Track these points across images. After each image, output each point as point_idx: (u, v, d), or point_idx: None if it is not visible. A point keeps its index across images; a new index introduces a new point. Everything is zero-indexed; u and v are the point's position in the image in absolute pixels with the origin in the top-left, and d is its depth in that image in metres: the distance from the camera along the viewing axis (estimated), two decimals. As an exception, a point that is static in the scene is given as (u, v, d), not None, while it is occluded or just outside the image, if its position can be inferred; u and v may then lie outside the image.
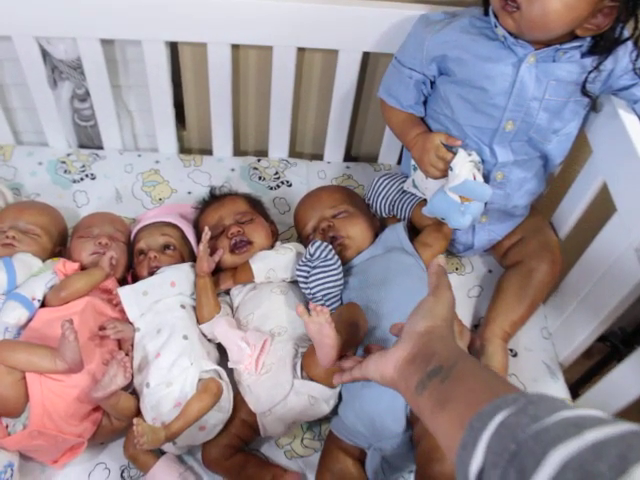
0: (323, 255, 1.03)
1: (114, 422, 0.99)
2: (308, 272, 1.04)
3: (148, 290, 1.05)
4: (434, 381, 0.61)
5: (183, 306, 1.07)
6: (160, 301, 1.06)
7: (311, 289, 1.04)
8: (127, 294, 1.05)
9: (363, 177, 1.44)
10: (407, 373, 0.66)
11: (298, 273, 1.05)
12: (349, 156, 1.51)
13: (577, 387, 1.21)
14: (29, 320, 1.02)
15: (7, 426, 0.94)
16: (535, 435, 0.43)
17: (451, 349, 0.65)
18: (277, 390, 0.97)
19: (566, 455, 0.39)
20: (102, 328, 1.03)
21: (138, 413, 0.99)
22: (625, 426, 0.40)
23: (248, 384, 1.00)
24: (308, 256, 1.04)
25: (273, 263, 1.09)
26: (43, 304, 1.04)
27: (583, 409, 0.45)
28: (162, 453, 0.99)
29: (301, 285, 1.06)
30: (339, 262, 1.05)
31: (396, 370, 0.68)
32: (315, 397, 0.97)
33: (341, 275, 1.05)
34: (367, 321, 0.96)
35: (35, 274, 1.05)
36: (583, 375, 1.51)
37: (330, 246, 1.05)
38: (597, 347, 1.57)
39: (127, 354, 1.02)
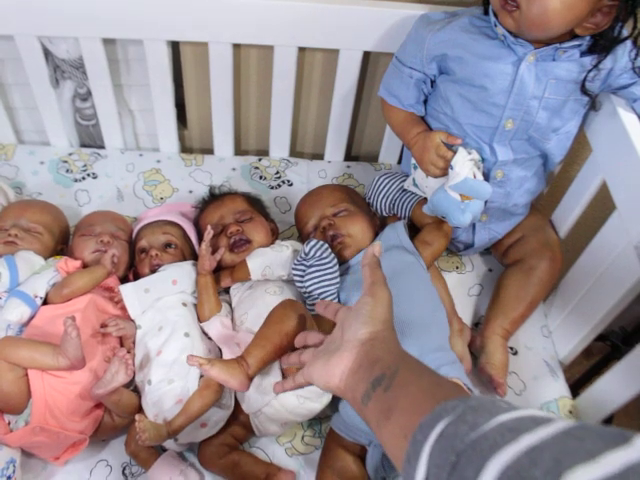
0: (318, 254, 1.03)
1: (115, 419, 0.99)
2: (304, 271, 1.04)
3: (150, 288, 1.06)
4: (378, 390, 0.60)
5: (184, 304, 1.07)
6: (161, 299, 1.06)
7: (307, 288, 1.04)
8: (129, 291, 1.05)
9: (363, 176, 1.44)
10: (353, 384, 0.65)
11: (294, 272, 1.05)
12: (349, 155, 1.51)
13: (578, 386, 1.22)
14: (31, 317, 1.02)
15: (9, 423, 0.94)
16: (473, 444, 0.42)
17: (394, 354, 0.64)
18: (264, 391, 0.97)
19: (504, 463, 0.39)
20: (104, 325, 1.03)
21: (140, 410, 0.99)
22: (560, 425, 0.40)
23: None
24: (303, 255, 1.04)
25: (269, 260, 1.09)
26: (45, 302, 1.04)
27: (521, 410, 0.44)
28: (163, 450, 0.99)
29: (297, 284, 1.06)
30: (335, 261, 1.05)
31: (342, 381, 0.67)
32: (303, 396, 0.96)
33: (337, 274, 1.06)
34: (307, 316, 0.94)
35: (37, 272, 1.06)
36: (584, 374, 1.51)
37: (326, 245, 1.05)
38: (597, 346, 1.58)
39: (129, 351, 1.02)
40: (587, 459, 0.35)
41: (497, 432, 0.42)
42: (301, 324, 0.92)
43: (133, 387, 1.02)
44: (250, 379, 0.90)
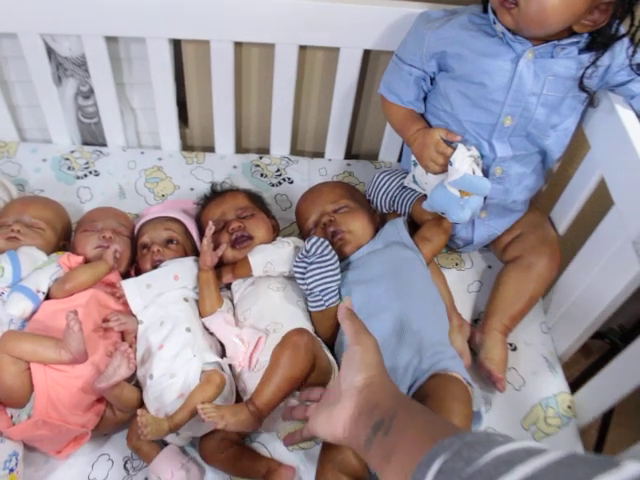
0: (319, 251, 1.04)
1: (117, 413, 0.99)
2: (305, 268, 1.05)
3: (151, 283, 1.06)
4: (378, 435, 0.62)
5: (186, 299, 1.08)
6: (163, 294, 1.07)
7: (308, 285, 1.05)
8: (130, 286, 1.06)
9: (364, 174, 1.45)
10: (355, 431, 0.67)
11: (295, 269, 1.06)
12: (350, 154, 1.52)
13: (577, 385, 1.23)
14: (34, 312, 1.02)
15: (12, 416, 0.95)
16: (470, 478, 0.44)
17: (391, 398, 0.67)
18: None
19: None
20: (106, 320, 1.04)
21: (141, 404, 0.99)
22: (552, 456, 0.41)
23: (243, 379, 1.01)
24: (304, 252, 1.05)
25: (271, 256, 1.10)
26: (47, 297, 1.05)
27: (516, 442, 0.46)
28: (165, 444, 1.00)
29: (298, 281, 1.07)
30: (335, 257, 1.06)
31: (345, 430, 0.69)
32: None
33: (338, 270, 1.06)
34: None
35: (40, 267, 1.06)
36: (583, 373, 1.51)
37: (326, 242, 1.06)
38: (597, 345, 1.58)
39: (130, 346, 1.03)
40: None
41: (492, 465, 0.43)
42: (309, 364, 0.94)
43: (135, 382, 1.02)
44: (261, 420, 0.92)
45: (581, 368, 1.50)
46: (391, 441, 0.60)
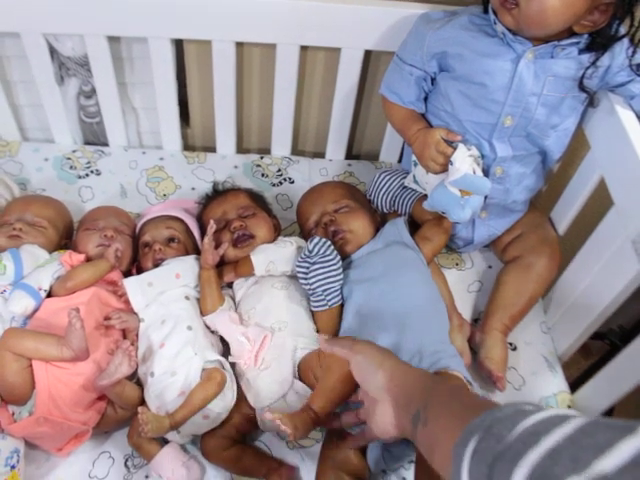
0: (322, 251, 1.04)
1: (118, 411, 1.00)
2: (307, 268, 1.05)
3: (153, 281, 1.07)
4: (419, 427, 0.66)
5: (187, 297, 1.08)
6: (165, 292, 1.07)
7: (311, 285, 1.05)
8: (132, 285, 1.06)
9: (364, 175, 1.45)
10: (402, 427, 0.72)
11: (298, 269, 1.06)
12: (350, 154, 1.53)
13: (577, 386, 1.23)
14: (35, 310, 1.03)
15: (13, 413, 0.96)
16: (501, 455, 0.46)
17: (420, 385, 0.70)
18: (276, 387, 0.98)
19: (529, 468, 0.43)
20: (107, 318, 1.04)
21: (142, 402, 1.00)
22: (575, 423, 0.43)
23: (248, 378, 1.01)
24: (307, 252, 1.05)
25: (273, 256, 1.10)
26: (49, 294, 1.06)
27: (543, 411, 0.48)
28: (166, 442, 1.00)
29: (301, 281, 1.07)
30: (338, 257, 1.06)
31: (397, 429, 0.74)
32: None
33: (340, 270, 1.07)
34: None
35: (41, 265, 1.07)
36: (583, 373, 1.52)
37: (329, 242, 1.06)
38: (596, 346, 1.59)
39: (132, 344, 1.03)
40: (600, 453, 0.39)
41: (520, 440, 0.46)
42: None
43: (136, 379, 1.03)
44: (318, 425, 0.92)
45: (581, 369, 1.50)
46: (430, 431, 0.63)
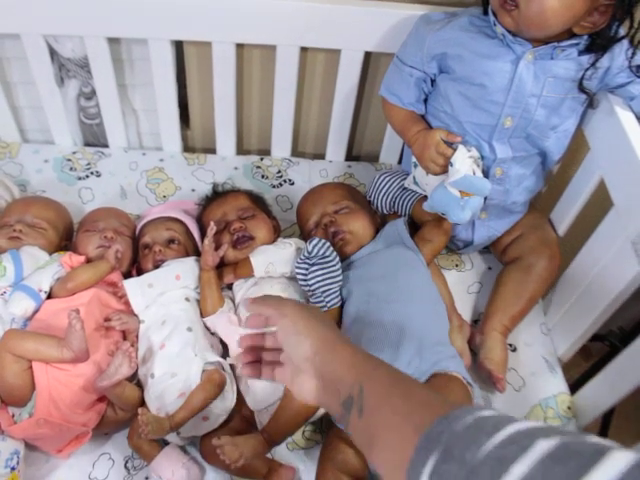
0: (321, 252, 1.04)
1: (118, 412, 1.00)
2: (307, 269, 1.05)
3: (153, 282, 1.07)
4: (353, 414, 0.60)
5: (187, 299, 1.08)
6: (165, 293, 1.07)
7: (310, 286, 1.05)
8: (132, 286, 1.06)
9: (364, 176, 1.45)
10: (327, 403, 0.65)
11: (297, 270, 1.06)
12: (350, 155, 1.53)
13: (577, 387, 1.23)
14: (35, 311, 1.03)
15: (13, 415, 0.96)
16: None
17: (351, 367, 0.63)
18: (273, 390, 0.98)
19: None
20: (107, 320, 1.04)
21: (142, 404, 1.00)
22: (545, 446, 0.41)
23: (246, 381, 1.01)
24: (306, 253, 1.05)
25: (272, 257, 1.10)
26: (49, 296, 1.06)
27: (504, 429, 0.45)
28: (166, 444, 1.00)
29: (300, 282, 1.07)
30: (337, 259, 1.07)
31: (315, 399, 0.67)
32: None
33: (340, 271, 1.07)
34: None
35: (42, 266, 1.07)
36: (583, 375, 1.52)
37: (328, 243, 1.06)
38: (596, 347, 1.59)
39: (132, 345, 1.03)
40: None
41: (487, 465, 0.42)
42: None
43: (136, 381, 1.03)
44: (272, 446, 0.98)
45: (581, 371, 1.50)
46: (368, 425, 0.58)
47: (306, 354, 0.66)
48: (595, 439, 0.40)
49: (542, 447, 0.41)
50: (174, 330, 1.03)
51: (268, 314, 0.71)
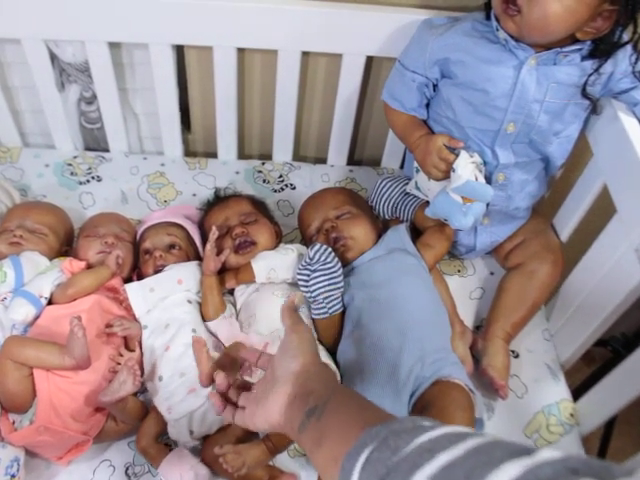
0: (322, 258, 1.04)
1: (119, 424, 0.99)
2: (308, 275, 1.05)
3: (155, 287, 1.07)
4: (312, 420, 0.63)
5: (190, 301, 1.09)
6: (167, 298, 1.07)
7: (312, 292, 1.05)
8: (134, 290, 1.06)
9: (366, 181, 1.45)
10: (291, 414, 0.67)
11: (299, 277, 1.06)
12: (352, 160, 1.52)
13: (580, 393, 1.23)
14: (36, 317, 1.03)
15: (14, 422, 0.95)
16: (395, 467, 0.45)
17: (327, 385, 0.67)
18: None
19: None
20: (109, 326, 1.04)
21: (144, 416, 1.00)
22: (472, 442, 0.43)
23: None
24: (308, 260, 1.05)
25: (274, 263, 1.10)
26: (50, 302, 1.05)
27: (440, 428, 0.48)
28: (172, 448, 0.99)
29: (302, 288, 1.07)
30: (339, 265, 1.06)
31: (281, 415, 0.69)
32: None
33: (341, 277, 1.06)
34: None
35: (42, 272, 1.06)
36: (585, 381, 1.51)
37: (330, 249, 1.06)
38: (599, 353, 1.58)
39: (133, 350, 1.03)
40: (492, 468, 0.38)
41: (416, 453, 0.45)
42: None
43: (139, 393, 1.02)
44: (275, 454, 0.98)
45: (583, 376, 1.50)
46: (323, 425, 0.61)
47: (295, 369, 0.70)
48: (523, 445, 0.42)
49: (473, 441, 0.43)
50: (178, 332, 1.03)
51: (287, 322, 0.76)
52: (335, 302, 1.06)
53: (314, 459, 0.61)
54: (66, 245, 1.18)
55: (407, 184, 1.23)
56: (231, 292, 1.15)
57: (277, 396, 0.69)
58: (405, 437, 0.47)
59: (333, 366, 1.03)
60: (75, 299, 1.05)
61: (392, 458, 0.46)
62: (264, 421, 0.71)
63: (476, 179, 1.03)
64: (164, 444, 0.99)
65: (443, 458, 0.42)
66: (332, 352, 1.07)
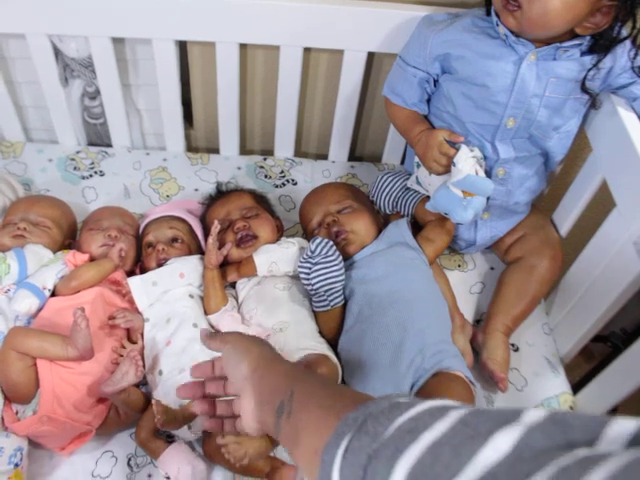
0: (324, 252, 1.05)
1: (121, 415, 1.00)
2: (309, 268, 1.05)
3: (157, 280, 1.08)
4: (283, 418, 0.60)
5: (191, 296, 1.09)
6: (169, 291, 1.08)
7: (313, 285, 1.06)
8: (137, 284, 1.07)
9: (367, 176, 1.46)
10: (265, 419, 0.64)
11: (300, 270, 1.07)
12: (353, 156, 1.53)
13: (580, 388, 1.23)
14: (39, 309, 1.04)
15: (17, 412, 0.96)
16: (377, 454, 0.43)
17: (285, 377, 0.64)
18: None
19: (409, 465, 0.39)
20: (112, 318, 1.05)
21: (146, 408, 1.00)
22: (454, 415, 0.41)
23: None
24: (309, 253, 1.05)
25: (276, 256, 1.11)
26: (53, 294, 1.06)
27: (417, 405, 0.45)
28: (172, 441, 1.00)
29: (303, 281, 1.07)
30: (340, 258, 1.07)
31: (258, 422, 0.66)
32: None
33: (342, 271, 1.07)
34: None
35: (46, 264, 1.07)
36: (585, 376, 1.52)
37: (331, 242, 1.06)
38: (599, 348, 1.59)
39: (136, 342, 1.04)
40: (482, 442, 0.36)
41: (397, 436, 0.42)
42: None
43: (141, 384, 1.03)
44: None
45: (583, 372, 1.50)
46: (296, 421, 0.58)
47: (245, 373, 0.67)
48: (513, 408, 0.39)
49: (454, 414, 0.41)
50: (180, 326, 1.04)
51: (216, 346, 0.73)
52: (336, 295, 1.07)
53: (295, 458, 0.58)
54: (69, 238, 1.19)
55: (408, 179, 1.24)
56: (233, 285, 1.16)
57: (245, 406, 0.67)
58: (383, 420, 0.45)
59: (334, 359, 1.03)
60: (78, 291, 1.05)
61: (372, 445, 0.43)
62: (255, 429, 0.69)
63: (476, 173, 1.03)
64: (164, 437, 0.99)
65: (427, 437, 0.40)
66: (333, 345, 1.08)
